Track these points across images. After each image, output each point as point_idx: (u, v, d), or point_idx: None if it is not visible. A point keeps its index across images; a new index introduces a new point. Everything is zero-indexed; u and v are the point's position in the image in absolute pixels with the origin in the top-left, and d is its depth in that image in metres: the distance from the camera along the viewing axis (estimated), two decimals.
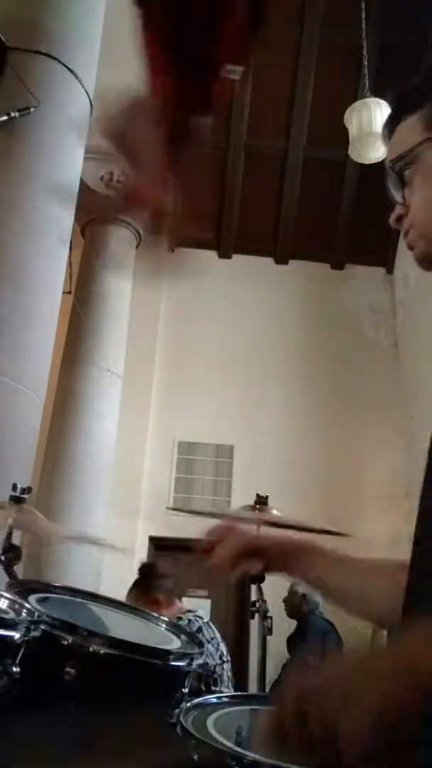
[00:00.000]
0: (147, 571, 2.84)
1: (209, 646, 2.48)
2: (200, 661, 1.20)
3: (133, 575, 5.65)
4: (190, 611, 2.63)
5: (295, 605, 4.08)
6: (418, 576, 0.70)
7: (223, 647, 2.56)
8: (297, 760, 0.58)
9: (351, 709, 0.51)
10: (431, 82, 0.81)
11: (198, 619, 2.58)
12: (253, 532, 1.05)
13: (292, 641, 3.98)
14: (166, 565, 3.04)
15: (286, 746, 0.56)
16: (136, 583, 2.71)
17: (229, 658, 2.58)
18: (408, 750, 0.54)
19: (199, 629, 2.49)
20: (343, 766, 0.52)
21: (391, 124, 0.81)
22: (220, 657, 2.51)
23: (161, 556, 6.02)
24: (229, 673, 2.56)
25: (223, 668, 2.46)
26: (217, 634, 2.58)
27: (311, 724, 0.53)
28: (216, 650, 2.51)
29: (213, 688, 2.31)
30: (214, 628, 2.60)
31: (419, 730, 0.52)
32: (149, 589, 2.60)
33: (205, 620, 2.59)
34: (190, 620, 2.55)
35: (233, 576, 0.98)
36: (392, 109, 0.82)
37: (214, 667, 2.40)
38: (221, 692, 2.02)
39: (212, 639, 2.54)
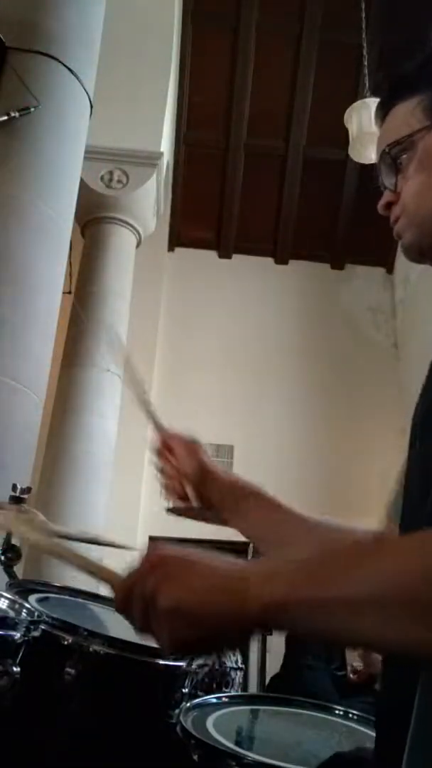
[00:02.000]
0: None
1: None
2: (200, 661, 1.20)
3: None
4: None
5: None
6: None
7: (238, 654, 2.55)
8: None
9: (166, 594, 0.55)
10: (429, 67, 0.79)
11: None
12: (210, 462, 0.98)
13: (293, 640, 3.97)
14: None
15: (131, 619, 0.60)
16: None
17: (243, 666, 2.58)
18: (210, 650, 0.61)
19: None
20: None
21: (386, 107, 0.79)
22: (236, 663, 2.50)
23: None
24: (240, 681, 2.55)
25: (237, 673, 2.46)
26: None
27: (136, 600, 0.58)
28: (234, 654, 2.50)
29: (224, 689, 2.31)
30: None
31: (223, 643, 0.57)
32: None
33: None
34: None
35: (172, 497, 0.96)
36: (388, 92, 0.80)
37: (230, 670, 2.39)
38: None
39: None
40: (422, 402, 0.73)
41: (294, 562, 0.55)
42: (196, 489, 0.95)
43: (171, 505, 0.96)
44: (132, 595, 0.59)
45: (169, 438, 1.04)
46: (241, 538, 1.13)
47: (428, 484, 0.64)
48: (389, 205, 0.79)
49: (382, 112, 0.80)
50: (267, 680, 2.37)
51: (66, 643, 1.05)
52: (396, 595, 0.47)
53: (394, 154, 0.76)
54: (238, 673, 2.48)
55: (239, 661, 2.54)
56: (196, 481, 0.96)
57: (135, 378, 1.07)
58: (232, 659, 2.49)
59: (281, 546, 0.90)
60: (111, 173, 5.69)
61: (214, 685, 1.17)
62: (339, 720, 1.18)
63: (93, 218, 5.71)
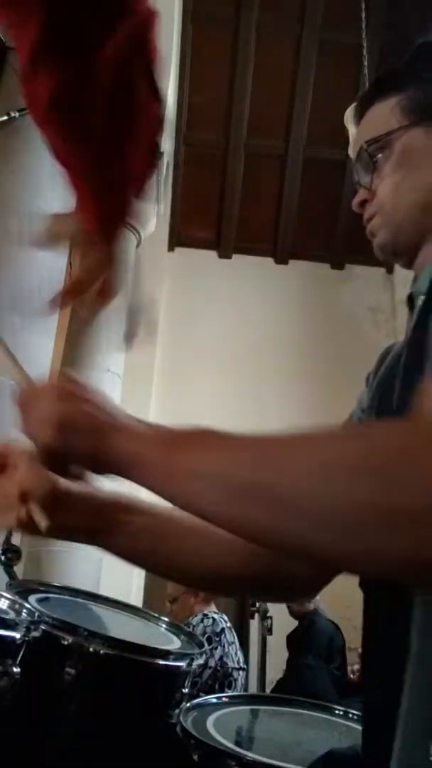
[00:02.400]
0: None
1: (230, 648, 2.47)
2: (200, 661, 1.20)
3: (133, 575, 5.66)
4: (216, 613, 2.64)
5: (299, 604, 4.08)
6: None
7: (240, 655, 2.56)
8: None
9: (56, 415, 0.66)
10: (413, 67, 0.78)
11: (224, 620, 2.58)
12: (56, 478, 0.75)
13: (293, 640, 3.97)
14: None
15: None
16: None
17: (245, 667, 2.58)
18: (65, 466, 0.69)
19: (222, 630, 2.49)
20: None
21: (365, 105, 0.79)
22: (238, 663, 2.50)
23: None
24: (243, 681, 2.55)
25: (239, 674, 2.46)
26: (236, 641, 2.58)
27: (36, 407, 0.69)
28: (235, 654, 2.51)
29: (227, 690, 2.31)
30: (235, 634, 2.60)
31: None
32: None
33: (229, 624, 2.59)
34: (214, 619, 2.55)
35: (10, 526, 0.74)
36: (369, 91, 0.80)
37: (231, 670, 2.39)
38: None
39: (232, 643, 2.53)
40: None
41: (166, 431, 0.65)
42: (45, 509, 0.73)
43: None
44: (35, 401, 0.70)
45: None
46: None
47: None
48: (364, 203, 0.79)
49: (361, 110, 0.80)
50: (267, 680, 2.37)
51: (66, 643, 1.05)
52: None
53: (371, 151, 0.76)
54: (241, 673, 2.48)
55: (241, 661, 2.55)
56: (44, 499, 0.74)
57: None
58: (234, 659, 2.50)
59: (179, 554, 0.81)
60: None
61: (217, 686, 1.17)
62: (339, 720, 1.18)
63: None
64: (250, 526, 0.49)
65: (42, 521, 0.71)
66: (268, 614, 2.11)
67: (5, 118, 3.11)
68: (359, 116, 0.80)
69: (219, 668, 2.31)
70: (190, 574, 0.83)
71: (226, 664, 2.37)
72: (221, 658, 2.36)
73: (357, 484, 0.42)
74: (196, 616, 2.58)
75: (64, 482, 0.76)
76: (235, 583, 0.85)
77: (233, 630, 2.60)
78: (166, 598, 2.75)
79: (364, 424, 0.68)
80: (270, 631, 2.07)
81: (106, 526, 0.81)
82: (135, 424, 0.67)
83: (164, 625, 1.39)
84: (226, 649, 2.44)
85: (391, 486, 0.41)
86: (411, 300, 0.75)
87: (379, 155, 0.76)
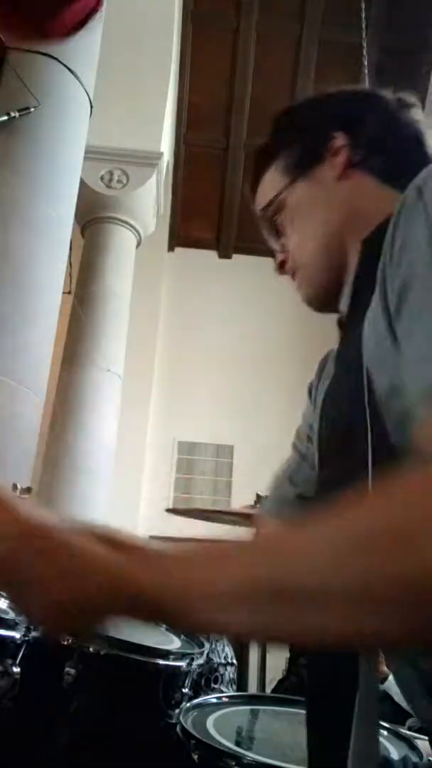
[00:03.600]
0: None
1: (217, 645, 2.50)
2: (201, 660, 1.20)
3: None
4: None
5: None
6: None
7: (228, 650, 2.58)
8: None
9: (37, 578, 0.49)
10: (280, 134, 0.86)
11: None
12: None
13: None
14: None
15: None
16: None
17: (235, 662, 2.60)
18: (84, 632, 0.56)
19: None
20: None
21: (254, 183, 0.85)
22: (225, 658, 2.52)
23: None
24: (232, 676, 2.57)
25: (226, 669, 2.47)
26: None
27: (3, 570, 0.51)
28: (222, 651, 2.52)
29: (213, 685, 2.33)
30: None
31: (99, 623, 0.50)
32: None
33: None
34: None
35: None
36: (253, 169, 0.86)
37: (217, 666, 2.41)
38: (221, 691, 2.03)
39: (219, 639, 2.55)
40: (322, 427, 0.73)
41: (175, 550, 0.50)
42: None
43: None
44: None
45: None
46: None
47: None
48: (282, 265, 0.85)
49: (253, 188, 0.86)
50: (267, 680, 2.38)
51: (66, 643, 1.05)
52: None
53: (268, 218, 0.83)
54: (228, 668, 2.49)
55: (229, 656, 2.56)
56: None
57: None
58: (221, 655, 2.51)
59: None
60: (111, 173, 5.69)
61: (203, 682, 1.17)
62: None
63: (93, 218, 5.72)
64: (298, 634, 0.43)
65: None
66: None
67: (5, 118, 3.12)
68: (253, 194, 0.86)
69: (205, 664, 2.33)
70: None
71: (212, 660, 2.38)
72: (207, 654, 2.39)
73: (387, 556, 0.38)
74: None
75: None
76: None
77: None
78: None
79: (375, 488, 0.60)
80: None
81: None
82: (103, 551, 0.51)
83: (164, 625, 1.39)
84: (213, 645, 2.46)
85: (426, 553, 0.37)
86: (341, 324, 0.81)
87: (279, 218, 0.82)
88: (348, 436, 0.64)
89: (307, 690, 0.69)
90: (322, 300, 0.84)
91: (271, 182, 0.82)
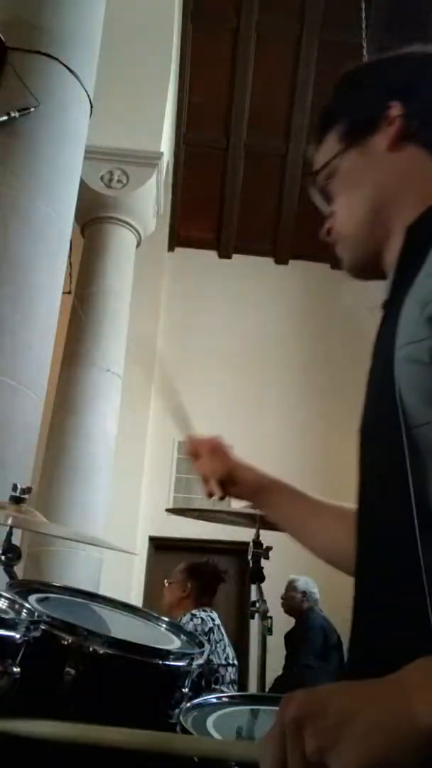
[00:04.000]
0: (198, 564, 2.98)
1: (217, 646, 2.50)
2: (200, 660, 1.20)
3: (133, 575, 5.66)
4: (204, 611, 2.67)
5: (295, 602, 4.08)
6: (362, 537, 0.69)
7: (230, 651, 2.58)
8: None
9: (343, 742, 0.45)
10: (341, 97, 0.84)
11: (211, 619, 2.61)
12: (234, 459, 1.08)
13: (291, 638, 3.98)
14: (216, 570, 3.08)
15: None
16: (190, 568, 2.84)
17: (235, 663, 2.60)
18: None
19: (210, 630, 2.52)
20: None
21: (317, 144, 0.85)
22: (226, 659, 2.53)
23: (161, 556, 6.03)
24: (233, 676, 2.57)
25: (227, 670, 2.48)
26: (226, 638, 2.61)
27: (301, 756, 0.47)
28: (223, 651, 2.53)
29: (213, 686, 2.33)
30: (224, 632, 2.63)
31: None
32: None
33: (217, 622, 2.62)
34: (203, 619, 2.58)
35: (206, 495, 1.05)
36: (317, 128, 0.85)
37: (218, 666, 2.41)
38: (222, 692, 2.03)
39: (220, 641, 2.56)
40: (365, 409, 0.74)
41: None
42: (223, 486, 1.04)
43: (213, 495, 1.05)
44: (285, 756, 0.48)
45: (195, 443, 1.12)
46: (241, 539, 1.14)
47: (370, 491, 0.66)
48: (330, 231, 0.84)
49: (316, 145, 0.85)
50: (267, 680, 2.38)
51: (66, 643, 1.05)
52: None
53: (320, 183, 0.82)
54: (229, 669, 2.50)
55: (230, 657, 2.56)
56: (224, 478, 1.04)
57: (168, 387, 1.20)
58: (221, 656, 2.52)
59: (312, 534, 0.98)
60: (111, 173, 5.69)
61: (203, 683, 1.17)
62: None
63: (93, 218, 5.72)
64: None
65: (219, 495, 1.03)
66: (268, 614, 2.10)
67: (5, 118, 3.12)
68: (315, 155, 0.85)
69: (205, 665, 2.34)
70: (320, 553, 0.97)
71: (212, 661, 2.39)
72: (208, 655, 2.39)
73: None
74: (184, 615, 2.60)
75: (236, 464, 1.05)
76: None
77: (221, 628, 2.62)
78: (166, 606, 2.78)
79: None
80: (270, 631, 2.07)
81: (263, 502, 1.06)
82: (401, 675, 0.48)
83: (164, 625, 1.39)
84: (213, 647, 2.47)
85: None
86: (384, 306, 0.81)
87: (329, 183, 0.81)
88: (381, 422, 0.66)
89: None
90: (361, 269, 0.84)
91: (328, 146, 0.81)
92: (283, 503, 1.02)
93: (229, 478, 1.04)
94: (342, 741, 0.45)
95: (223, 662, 2.48)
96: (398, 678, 0.48)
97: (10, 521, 1.50)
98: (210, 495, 1.05)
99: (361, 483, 0.70)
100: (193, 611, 2.64)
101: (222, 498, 1.05)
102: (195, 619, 2.57)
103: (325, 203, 0.82)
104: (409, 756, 0.44)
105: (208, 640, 2.47)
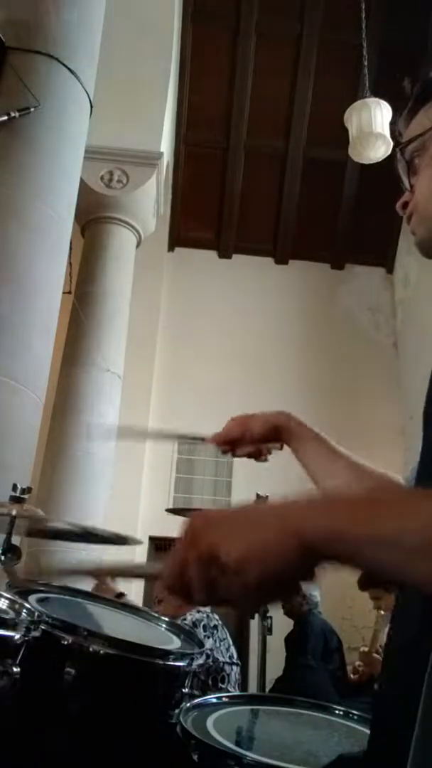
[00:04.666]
0: None
1: (221, 645, 2.51)
2: (200, 660, 1.20)
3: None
4: (206, 613, 2.67)
5: (294, 605, 4.08)
6: None
7: (233, 650, 2.59)
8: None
9: (228, 545, 0.53)
10: None
11: (214, 618, 2.61)
12: (264, 416, 1.16)
13: (291, 641, 3.97)
14: None
15: (180, 586, 0.57)
16: None
17: (239, 662, 2.61)
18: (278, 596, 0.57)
19: (215, 627, 2.52)
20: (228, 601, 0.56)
21: (412, 112, 0.83)
22: (230, 658, 2.53)
23: (161, 556, 6.02)
24: (238, 676, 2.58)
25: (232, 669, 2.48)
26: (228, 637, 2.61)
27: (194, 567, 0.55)
28: (227, 650, 2.53)
29: (220, 685, 2.33)
30: (227, 631, 2.63)
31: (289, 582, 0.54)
32: None
33: (220, 623, 2.62)
34: (208, 615, 2.58)
35: (263, 459, 1.13)
36: (413, 98, 0.83)
37: (223, 665, 2.41)
38: (227, 691, 2.03)
39: (224, 640, 2.56)
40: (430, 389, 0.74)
41: (340, 497, 0.58)
42: (269, 444, 1.14)
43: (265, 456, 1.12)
44: (186, 565, 0.56)
45: (222, 438, 1.15)
46: None
47: None
48: (405, 205, 0.82)
49: (409, 115, 0.83)
50: (267, 680, 2.38)
51: (66, 643, 1.05)
52: None
53: (407, 154, 0.80)
54: (234, 668, 2.50)
55: (234, 656, 2.56)
56: (267, 437, 1.13)
57: (164, 433, 1.24)
58: (226, 655, 2.51)
59: (332, 478, 1.07)
60: (111, 173, 5.69)
61: (210, 682, 1.17)
62: (339, 720, 1.18)
63: (93, 218, 5.71)
64: None
65: (269, 453, 1.16)
66: (268, 614, 2.11)
67: (5, 118, 3.12)
68: (406, 124, 0.84)
69: (212, 663, 2.33)
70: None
71: (218, 659, 2.39)
72: (211, 650, 2.39)
73: None
74: (188, 614, 2.60)
75: (271, 419, 1.15)
76: None
77: (225, 628, 2.63)
78: (153, 600, 2.76)
79: None
80: (270, 631, 2.07)
81: (299, 448, 1.15)
82: (288, 501, 0.57)
83: (164, 625, 1.39)
84: (217, 644, 2.47)
85: None
86: None
87: (416, 156, 0.79)
88: None
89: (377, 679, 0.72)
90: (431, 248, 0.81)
91: (423, 119, 0.79)
92: (318, 450, 1.12)
93: (270, 429, 1.12)
94: (234, 536, 0.54)
95: (228, 660, 2.48)
96: (291, 502, 0.57)
97: (9, 519, 1.49)
98: (264, 456, 1.14)
99: (424, 461, 0.71)
100: (198, 609, 2.65)
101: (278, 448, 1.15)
102: (199, 614, 2.58)
103: (406, 176, 0.81)
104: (284, 554, 0.52)
105: (212, 636, 2.48)
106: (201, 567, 0.55)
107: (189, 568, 0.56)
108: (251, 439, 1.12)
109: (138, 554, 5.82)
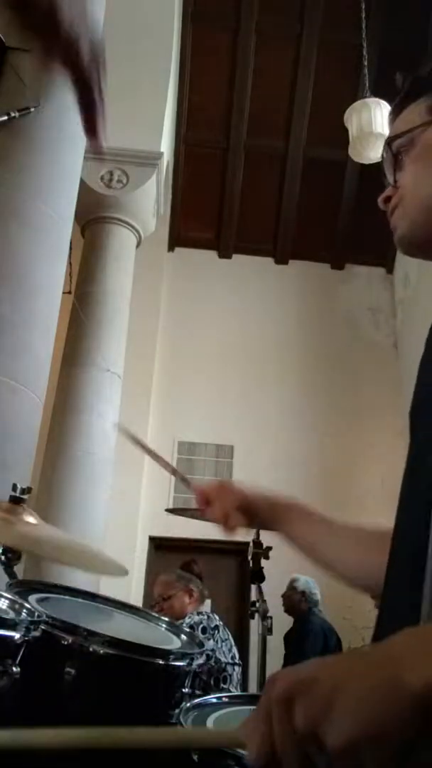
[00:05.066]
0: (187, 566, 3.08)
1: (223, 645, 2.51)
2: (200, 660, 1.20)
3: (133, 576, 5.64)
4: (208, 613, 2.70)
5: (294, 602, 4.08)
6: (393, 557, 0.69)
7: (235, 651, 2.59)
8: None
9: (335, 721, 0.44)
10: None
11: (216, 619, 2.63)
12: (245, 489, 1.07)
13: (291, 639, 3.97)
14: (200, 567, 3.24)
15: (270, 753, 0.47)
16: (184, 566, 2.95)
17: (240, 662, 2.61)
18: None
19: (216, 627, 2.54)
20: None
21: (399, 108, 0.83)
22: (232, 658, 2.53)
23: (161, 556, 6.02)
24: (239, 676, 2.58)
25: (234, 669, 2.49)
26: (230, 638, 2.62)
27: (286, 752, 0.46)
28: (228, 651, 2.54)
29: (222, 685, 2.34)
30: (228, 632, 2.65)
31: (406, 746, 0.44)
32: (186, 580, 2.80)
33: (221, 623, 2.64)
34: (209, 616, 2.60)
35: (229, 531, 1.03)
36: (402, 93, 0.83)
37: (225, 665, 2.42)
38: (228, 691, 2.02)
39: (225, 640, 2.57)
40: (415, 393, 0.74)
41: None
42: (244, 516, 1.04)
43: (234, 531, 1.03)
44: (275, 742, 0.46)
45: (203, 489, 1.09)
46: (240, 539, 1.14)
47: (420, 476, 0.65)
48: (388, 199, 0.81)
49: (396, 111, 0.83)
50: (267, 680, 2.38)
51: (66, 643, 1.05)
52: None
53: (394, 149, 0.80)
54: (236, 668, 2.50)
55: (236, 656, 2.57)
56: (243, 509, 1.03)
57: (160, 459, 1.22)
58: (228, 655, 2.52)
59: (328, 554, 0.97)
60: (111, 173, 5.69)
61: (212, 682, 1.17)
62: None
63: (93, 218, 5.71)
64: None
65: (244, 525, 1.03)
66: (268, 614, 2.10)
67: (5, 118, 3.11)
68: (394, 118, 0.84)
69: (213, 663, 2.34)
70: (342, 576, 0.95)
71: (219, 659, 2.40)
72: (213, 651, 2.40)
73: None
74: (191, 615, 2.61)
75: (249, 493, 1.04)
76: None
77: (227, 629, 2.64)
78: (155, 599, 2.78)
79: None
80: (270, 631, 2.07)
81: (280, 522, 1.02)
82: (392, 642, 0.48)
83: (164, 625, 1.39)
84: (218, 645, 2.47)
85: None
86: None
87: (403, 152, 0.79)
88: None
89: None
90: (413, 245, 0.81)
91: (410, 115, 0.80)
92: (302, 524, 1.01)
93: (246, 506, 1.04)
94: (335, 709, 0.44)
95: (230, 660, 2.48)
96: (385, 647, 0.48)
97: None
98: (232, 530, 1.03)
99: (412, 455, 0.70)
100: (200, 610, 2.68)
101: (249, 526, 1.06)
102: (201, 615, 2.60)
103: (391, 170, 0.81)
104: (402, 722, 0.43)
105: (213, 636, 2.49)
106: (297, 748, 0.46)
107: (279, 746, 0.47)
108: (222, 506, 1.04)
109: (138, 554, 5.82)
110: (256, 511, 1.03)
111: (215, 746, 0.71)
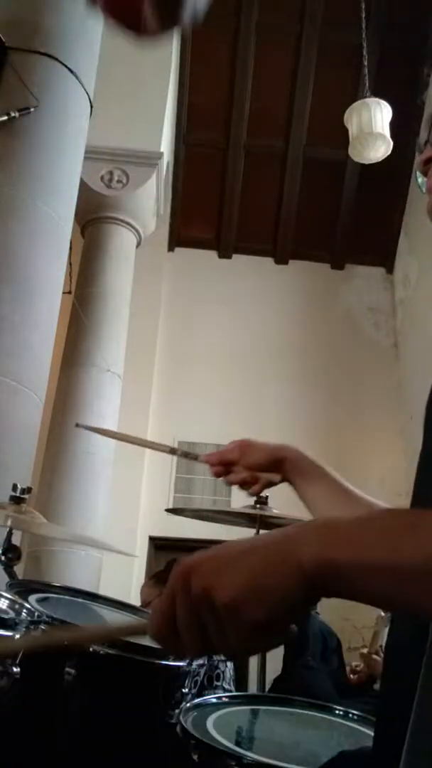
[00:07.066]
0: (170, 567, 3.03)
1: None
2: (200, 660, 1.20)
3: (133, 575, 5.65)
4: None
5: None
6: None
7: None
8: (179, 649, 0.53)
9: (221, 586, 0.48)
10: None
11: None
12: (268, 443, 1.07)
13: (292, 640, 3.97)
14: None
15: (169, 634, 0.51)
16: (158, 574, 2.92)
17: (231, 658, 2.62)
18: (278, 635, 0.51)
19: None
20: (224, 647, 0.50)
21: None
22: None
23: (161, 556, 6.02)
24: (232, 672, 2.58)
25: (226, 665, 2.49)
26: None
27: (182, 615, 0.50)
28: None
29: (215, 683, 2.34)
30: None
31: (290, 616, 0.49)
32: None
33: None
34: None
35: (257, 491, 1.04)
36: None
37: (217, 663, 2.42)
38: (223, 688, 2.02)
39: None
40: None
41: (339, 521, 0.52)
42: (270, 471, 1.04)
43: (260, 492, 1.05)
44: (174, 614, 0.51)
45: (221, 457, 1.07)
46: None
47: None
48: (429, 162, 0.79)
49: None
50: (267, 680, 2.38)
51: (66, 643, 1.05)
52: None
53: None
54: (228, 664, 2.51)
55: None
56: (271, 463, 1.04)
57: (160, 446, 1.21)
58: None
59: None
60: (111, 173, 5.69)
61: (206, 681, 1.17)
62: (339, 720, 1.18)
63: (93, 218, 5.71)
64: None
65: (265, 486, 1.05)
66: None
67: (5, 118, 3.12)
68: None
69: (206, 662, 2.35)
70: None
71: (212, 657, 2.40)
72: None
73: None
74: None
75: (271, 448, 1.06)
76: None
77: None
78: (141, 605, 2.79)
79: None
80: None
81: (300, 479, 1.04)
82: (288, 528, 0.52)
83: None
84: None
85: None
86: None
87: None
88: None
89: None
90: None
91: None
92: (320, 485, 1.03)
93: (273, 459, 1.04)
94: (227, 573, 0.49)
95: (222, 657, 2.49)
96: (287, 529, 0.52)
97: (9, 522, 1.49)
98: (256, 493, 1.05)
99: (423, 470, 0.71)
100: None
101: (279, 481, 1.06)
102: None
103: (428, 129, 0.79)
104: (286, 589, 0.47)
105: None
106: (191, 614, 0.50)
107: (177, 618, 0.50)
108: (247, 465, 1.04)
109: (138, 554, 5.82)
110: (282, 462, 1.04)
111: (132, 632, 0.75)
